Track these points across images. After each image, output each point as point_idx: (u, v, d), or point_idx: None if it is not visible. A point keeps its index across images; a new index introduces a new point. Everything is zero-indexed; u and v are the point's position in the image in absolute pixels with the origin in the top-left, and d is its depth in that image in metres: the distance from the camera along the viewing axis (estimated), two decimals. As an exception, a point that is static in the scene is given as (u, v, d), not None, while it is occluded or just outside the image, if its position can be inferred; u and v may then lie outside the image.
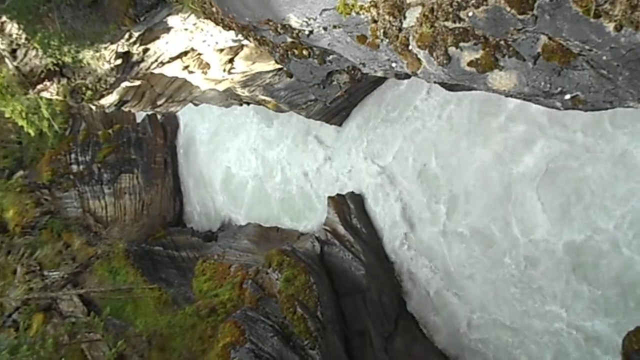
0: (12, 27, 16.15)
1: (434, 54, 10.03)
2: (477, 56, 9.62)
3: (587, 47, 8.24)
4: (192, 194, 36.92)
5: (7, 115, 20.64)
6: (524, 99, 10.29)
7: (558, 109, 9.94)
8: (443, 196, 22.56)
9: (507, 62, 9.49)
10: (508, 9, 8.38)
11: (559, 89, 9.41)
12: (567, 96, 9.48)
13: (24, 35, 16.30)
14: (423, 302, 23.69)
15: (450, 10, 9.12)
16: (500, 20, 8.73)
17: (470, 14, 8.94)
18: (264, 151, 31.32)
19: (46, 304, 27.73)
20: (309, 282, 21.33)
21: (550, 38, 8.68)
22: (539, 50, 8.98)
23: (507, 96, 10.35)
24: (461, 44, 9.59)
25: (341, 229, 24.27)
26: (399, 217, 24.15)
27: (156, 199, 35.53)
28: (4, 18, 15.79)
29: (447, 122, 22.32)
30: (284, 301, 20.94)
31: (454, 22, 9.37)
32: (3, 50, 16.70)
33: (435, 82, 11.67)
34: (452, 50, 9.80)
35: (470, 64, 9.78)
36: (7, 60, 17.03)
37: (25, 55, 17.03)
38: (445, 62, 9.99)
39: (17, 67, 17.17)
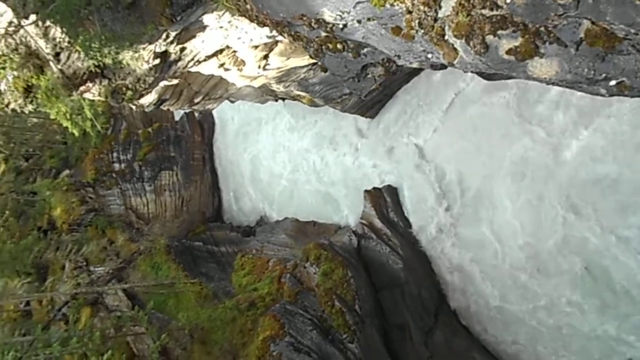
0: (55, 31, 16.70)
1: (471, 43, 9.83)
2: (516, 44, 9.38)
3: (632, 31, 7.92)
4: (229, 189, 37.44)
5: (52, 117, 21.38)
6: (567, 87, 9.97)
7: (603, 95, 9.60)
8: (480, 189, 22.20)
9: (548, 49, 9.21)
10: (548, -6, 8.14)
11: (604, 75, 9.07)
12: (612, 82, 9.14)
13: (66, 39, 16.82)
14: (462, 298, 23.42)
15: (488, -3, 8.92)
16: (540, 5, 8.48)
17: (509, 0, 8.73)
18: (295, 144, 31.46)
19: (93, 298, 28.71)
20: (347, 276, 21.36)
21: (593, 22, 8.38)
22: (582, 35, 8.67)
23: (548, 84, 10.05)
24: (499, 32, 9.36)
25: (378, 223, 24.18)
26: (432, 210, 23.87)
27: (195, 195, 36.20)
28: (47, 23, 16.33)
29: (486, 111, 21.89)
30: (322, 295, 21.03)
31: (491, 9, 9.16)
32: (47, 54, 17.29)
33: (472, 72, 11.46)
34: (489, 38, 9.58)
35: (509, 52, 9.54)
36: (51, 63, 17.62)
37: (68, 58, 17.59)
38: (482, 51, 9.78)
39: (61, 70, 17.75)
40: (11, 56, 16.89)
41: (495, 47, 9.67)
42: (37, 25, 16.37)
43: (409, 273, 22.79)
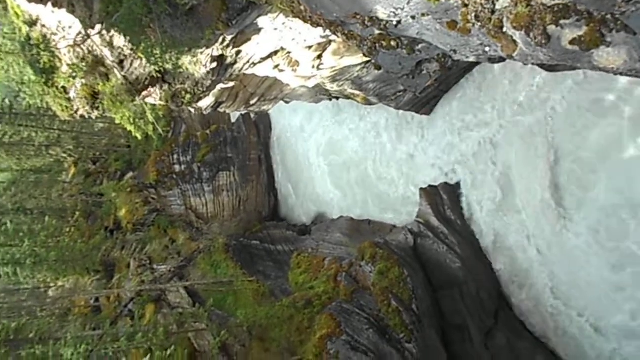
0: (119, 40, 17.51)
1: (531, 35, 9.49)
2: (580, 33, 8.96)
3: None
4: (284, 189, 37.91)
5: (117, 122, 22.45)
6: (636, 76, 9.45)
7: (677, 84, 9.03)
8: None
9: (615, 38, 8.75)
10: (615, -21, 7.75)
11: (677, 62, 8.54)
12: (687, 70, 8.59)
13: (129, 46, 17.61)
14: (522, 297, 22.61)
15: (549, -14, 8.59)
16: (606, -8, 8.09)
17: (571, -12, 8.37)
18: (349, 144, 31.44)
19: (156, 295, 29.86)
20: (403, 275, 21.14)
21: (665, 7, 7.90)
22: (652, 22, 8.20)
23: (615, 74, 9.56)
24: (562, 22, 8.98)
25: (434, 221, 23.76)
26: (492, 209, 23.17)
27: (252, 195, 36.90)
28: (112, 32, 17.15)
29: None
30: (378, 294, 20.94)
31: (553, -2, 8.81)
32: (112, 61, 18.16)
33: (533, 64, 11.07)
34: (551, 28, 9.21)
35: (572, 42, 9.13)
36: (115, 70, 18.50)
37: (131, 64, 18.40)
38: (544, 42, 9.42)
39: (124, 77, 18.61)
40: (79, 65, 17.85)
41: (557, 38, 9.29)
42: (102, 35, 17.22)
43: (468, 272, 22.28)
